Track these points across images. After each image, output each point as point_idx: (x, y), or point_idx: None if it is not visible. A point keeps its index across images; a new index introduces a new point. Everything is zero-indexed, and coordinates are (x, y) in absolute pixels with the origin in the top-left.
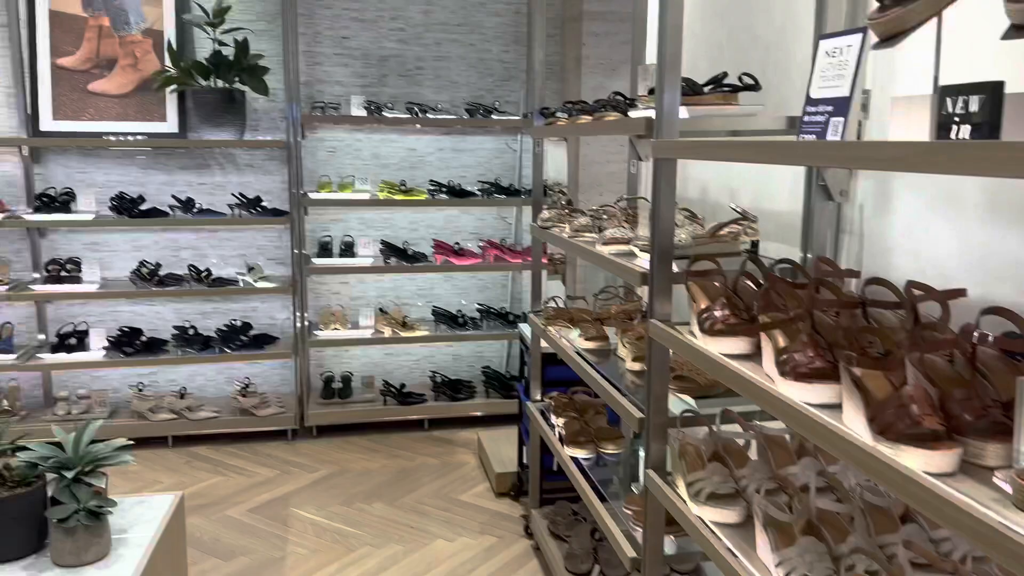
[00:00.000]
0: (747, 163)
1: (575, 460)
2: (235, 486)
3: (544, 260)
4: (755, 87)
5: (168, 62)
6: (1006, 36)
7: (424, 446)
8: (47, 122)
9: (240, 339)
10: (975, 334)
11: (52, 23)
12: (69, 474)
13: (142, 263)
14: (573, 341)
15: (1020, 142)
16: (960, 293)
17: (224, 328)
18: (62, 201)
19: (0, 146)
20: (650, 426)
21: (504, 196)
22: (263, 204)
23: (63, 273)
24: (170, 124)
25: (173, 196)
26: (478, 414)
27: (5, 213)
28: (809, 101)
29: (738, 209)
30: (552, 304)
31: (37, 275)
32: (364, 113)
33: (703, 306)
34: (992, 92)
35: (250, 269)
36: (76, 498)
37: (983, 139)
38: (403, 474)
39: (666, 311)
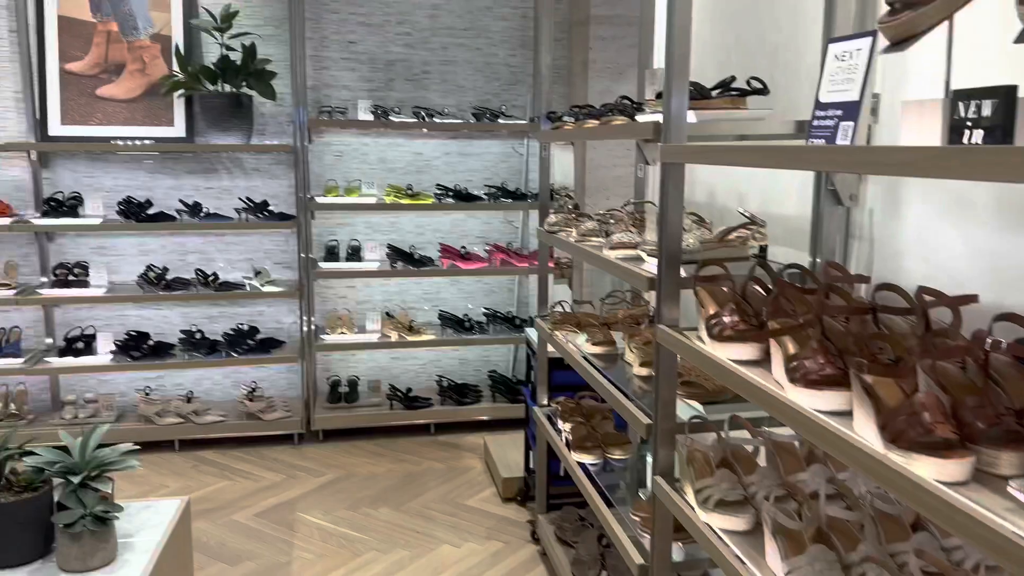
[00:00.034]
0: (755, 167)
1: (582, 465)
2: (241, 490)
3: (551, 264)
4: (763, 91)
5: (176, 67)
6: (1019, 40)
7: (430, 450)
8: (55, 127)
9: (247, 343)
10: (988, 340)
11: (61, 28)
12: (76, 479)
13: (149, 267)
14: (580, 346)
15: None
16: (972, 299)
17: (231, 332)
18: (70, 205)
19: (9, 151)
20: (658, 432)
21: (511, 200)
22: (270, 208)
23: (71, 277)
24: (178, 128)
25: (180, 200)
26: (484, 418)
27: (13, 217)
28: (818, 105)
29: (746, 213)
30: (559, 308)
31: (45, 279)
32: (371, 117)
33: (712, 311)
34: (1005, 96)
35: (257, 273)
36: (83, 503)
37: (996, 144)
38: (409, 479)
39: (674, 316)
